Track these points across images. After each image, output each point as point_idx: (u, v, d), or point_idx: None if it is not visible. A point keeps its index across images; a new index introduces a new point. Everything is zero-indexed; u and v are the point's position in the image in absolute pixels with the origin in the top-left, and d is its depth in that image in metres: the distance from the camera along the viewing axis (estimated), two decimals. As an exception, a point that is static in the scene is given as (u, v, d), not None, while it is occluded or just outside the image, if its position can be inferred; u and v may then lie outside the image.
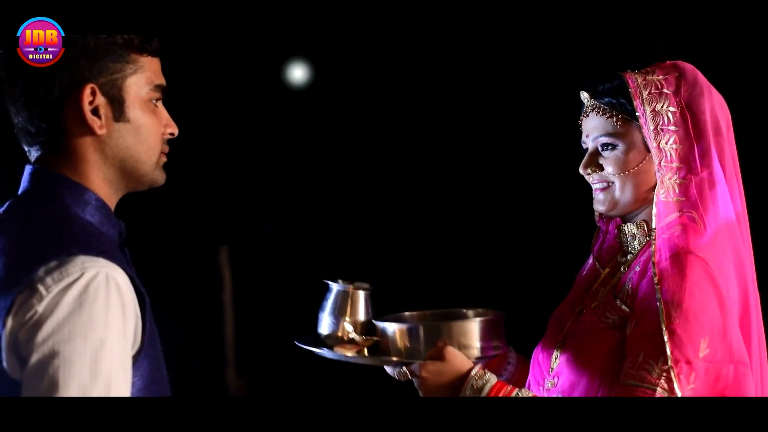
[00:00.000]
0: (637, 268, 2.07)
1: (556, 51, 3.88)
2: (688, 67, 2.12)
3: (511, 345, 2.27)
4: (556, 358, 2.13)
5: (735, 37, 3.43)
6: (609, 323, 2.05)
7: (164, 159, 1.77)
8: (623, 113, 2.10)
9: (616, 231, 2.18)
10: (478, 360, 2.08)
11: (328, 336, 2.20)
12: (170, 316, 2.24)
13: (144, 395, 1.61)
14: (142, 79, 1.71)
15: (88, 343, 1.49)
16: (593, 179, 2.14)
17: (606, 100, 2.12)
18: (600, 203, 2.14)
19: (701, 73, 2.13)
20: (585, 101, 2.16)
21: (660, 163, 2.05)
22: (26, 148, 1.72)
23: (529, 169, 4.11)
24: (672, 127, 2.06)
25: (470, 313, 2.26)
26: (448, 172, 4.32)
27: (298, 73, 4.41)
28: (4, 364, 1.53)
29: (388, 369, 2.22)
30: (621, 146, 2.10)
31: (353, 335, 2.16)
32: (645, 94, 2.07)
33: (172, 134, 1.78)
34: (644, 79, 2.09)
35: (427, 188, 4.34)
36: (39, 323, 1.50)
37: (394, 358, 2.12)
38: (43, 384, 1.48)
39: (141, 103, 1.71)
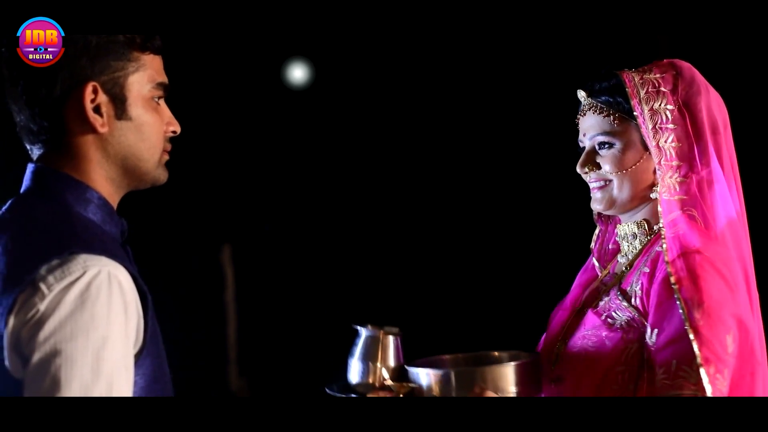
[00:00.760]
0: (646, 269, 2.05)
1: (555, 51, 3.88)
2: (685, 65, 2.12)
3: (511, 345, 2.25)
4: (557, 358, 2.13)
5: (735, 37, 3.44)
6: (616, 324, 2.04)
7: (166, 157, 1.77)
8: (620, 112, 2.10)
9: (616, 231, 2.18)
10: None
11: (359, 383, 2.14)
12: (172, 314, 2.24)
13: (146, 394, 1.61)
14: (144, 77, 1.71)
15: (90, 342, 1.50)
16: (590, 178, 2.14)
17: (603, 98, 2.12)
18: (597, 202, 2.14)
19: (700, 72, 2.13)
20: (582, 100, 2.16)
21: (660, 161, 2.05)
22: (28, 147, 1.72)
23: (529, 170, 4.11)
24: (671, 125, 2.06)
25: (504, 356, 2.19)
26: (448, 172, 4.33)
27: (298, 73, 4.41)
28: (7, 362, 1.53)
29: None
30: (618, 145, 2.10)
31: (388, 382, 2.10)
32: (642, 92, 2.07)
33: (174, 132, 1.78)
34: (641, 78, 2.08)
35: (425, 187, 4.34)
36: (41, 322, 1.50)
37: None
38: (45, 383, 1.48)
39: (143, 101, 1.71)
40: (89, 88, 1.66)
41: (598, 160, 2.12)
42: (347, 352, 2.15)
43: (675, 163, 2.06)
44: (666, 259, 1.98)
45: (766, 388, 2.06)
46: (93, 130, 1.68)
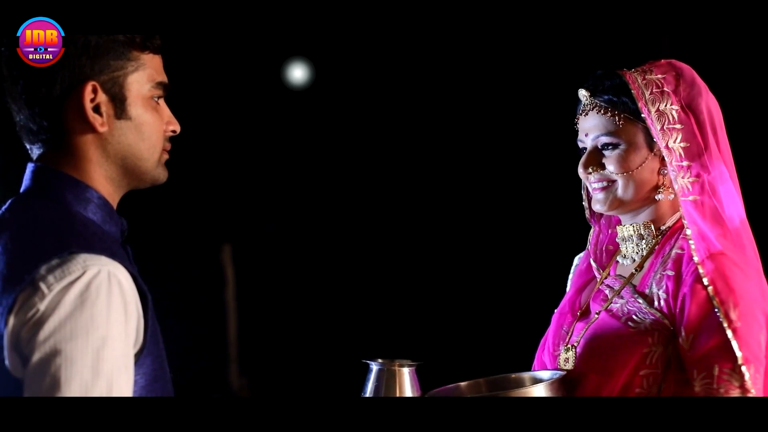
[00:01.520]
0: (670, 272, 2.03)
1: (554, 50, 3.88)
2: (685, 66, 2.11)
3: (510, 345, 2.24)
4: (566, 360, 2.11)
5: (735, 37, 3.44)
6: (640, 327, 2.02)
7: (166, 156, 1.77)
8: (625, 112, 2.08)
9: (615, 232, 2.17)
10: None
11: None
12: (173, 314, 2.24)
13: (146, 393, 1.61)
14: (143, 77, 1.71)
15: (90, 342, 1.49)
16: (593, 179, 2.11)
17: (607, 98, 2.09)
18: (600, 203, 2.11)
19: (702, 73, 2.12)
20: (583, 99, 2.13)
21: (672, 162, 2.03)
22: (28, 146, 1.72)
23: (529, 169, 4.11)
24: (678, 125, 2.05)
25: (526, 377, 2.14)
26: (447, 171, 4.33)
27: (298, 73, 4.41)
28: (7, 362, 1.53)
29: None
30: (623, 145, 2.08)
31: None
32: (647, 94, 2.05)
33: (174, 131, 1.77)
34: (644, 78, 2.07)
35: (425, 187, 4.34)
36: (41, 321, 1.50)
37: None
38: (45, 382, 1.48)
39: (143, 101, 1.71)
40: (89, 88, 1.66)
41: (602, 161, 2.10)
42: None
43: (685, 163, 2.04)
44: (696, 260, 1.98)
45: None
46: (93, 129, 1.68)
